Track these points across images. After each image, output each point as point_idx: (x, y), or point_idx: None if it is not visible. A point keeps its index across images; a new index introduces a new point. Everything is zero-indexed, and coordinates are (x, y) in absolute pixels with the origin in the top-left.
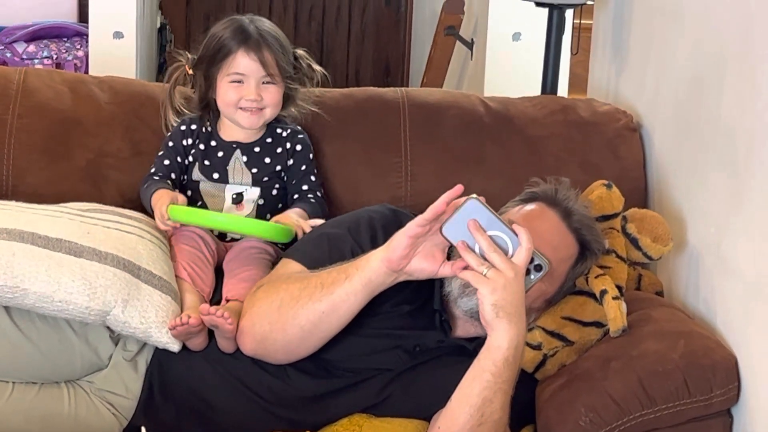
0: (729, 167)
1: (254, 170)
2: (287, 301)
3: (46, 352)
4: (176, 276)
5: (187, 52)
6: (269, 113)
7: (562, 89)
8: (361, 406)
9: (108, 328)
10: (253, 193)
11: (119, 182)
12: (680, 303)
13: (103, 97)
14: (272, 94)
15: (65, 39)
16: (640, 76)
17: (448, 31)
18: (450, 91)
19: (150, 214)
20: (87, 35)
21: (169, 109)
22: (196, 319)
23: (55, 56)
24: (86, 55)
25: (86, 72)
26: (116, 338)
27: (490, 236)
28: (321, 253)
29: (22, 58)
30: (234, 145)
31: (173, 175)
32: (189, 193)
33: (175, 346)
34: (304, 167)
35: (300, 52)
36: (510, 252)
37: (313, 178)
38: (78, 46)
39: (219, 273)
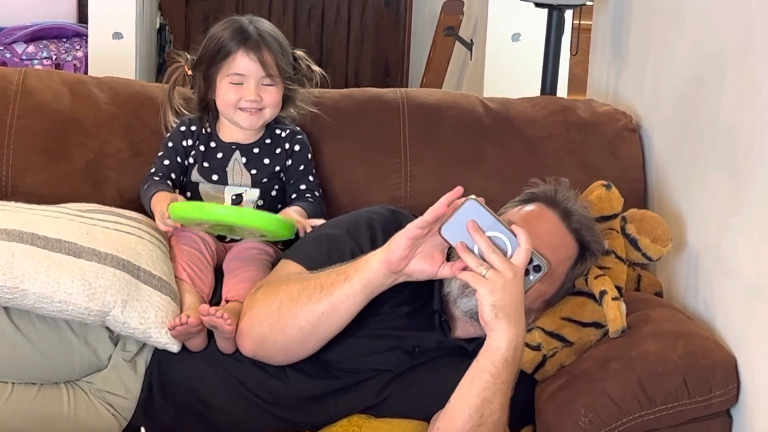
0: (729, 167)
1: (253, 171)
2: (287, 303)
3: (46, 352)
4: (176, 276)
5: (186, 53)
6: (269, 114)
7: (562, 90)
8: (361, 407)
9: (107, 328)
10: (252, 195)
11: (119, 183)
12: (680, 303)
13: (103, 98)
14: (272, 95)
15: (65, 39)
16: (639, 77)
17: (448, 32)
18: (449, 92)
19: (149, 214)
20: (86, 36)
21: (169, 110)
22: (196, 319)
23: (54, 57)
24: (86, 56)
25: (86, 72)
26: (116, 339)
27: (489, 237)
28: (320, 254)
29: (22, 59)
30: (233, 147)
31: (173, 175)
32: (188, 194)
33: (174, 347)
34: (302, 167)
35: (299, 52)
36: (509, 253)
37: (311, 178)
38: (77, 47)
39: (219, 274)
